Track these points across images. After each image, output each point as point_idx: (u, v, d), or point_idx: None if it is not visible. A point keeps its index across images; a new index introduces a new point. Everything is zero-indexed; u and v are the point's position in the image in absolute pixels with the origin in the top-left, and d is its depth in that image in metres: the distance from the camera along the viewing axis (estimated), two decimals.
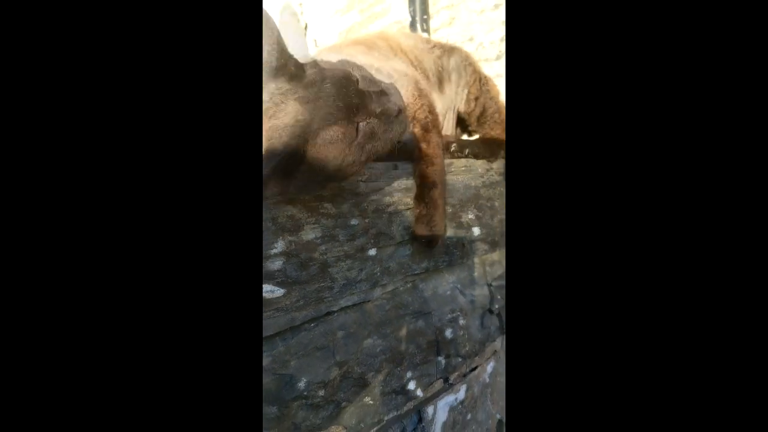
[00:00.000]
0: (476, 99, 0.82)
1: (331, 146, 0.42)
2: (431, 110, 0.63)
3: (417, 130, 0.60)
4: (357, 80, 0.44)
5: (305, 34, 2.99)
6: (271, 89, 0.40)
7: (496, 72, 2.23)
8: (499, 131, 0.84)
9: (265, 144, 0.39)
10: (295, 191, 0.45)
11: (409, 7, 2.41)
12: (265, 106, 0.41)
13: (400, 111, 0.46)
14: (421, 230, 0.59)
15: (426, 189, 0.59)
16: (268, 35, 0.38)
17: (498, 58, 2.21)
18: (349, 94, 0.43)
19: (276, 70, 0.40)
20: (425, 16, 2.37)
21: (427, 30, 2.37)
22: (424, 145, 0.60)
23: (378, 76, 0.50)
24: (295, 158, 0.41)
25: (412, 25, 2.37)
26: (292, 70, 0.41)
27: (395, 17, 2.61)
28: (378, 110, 0.44)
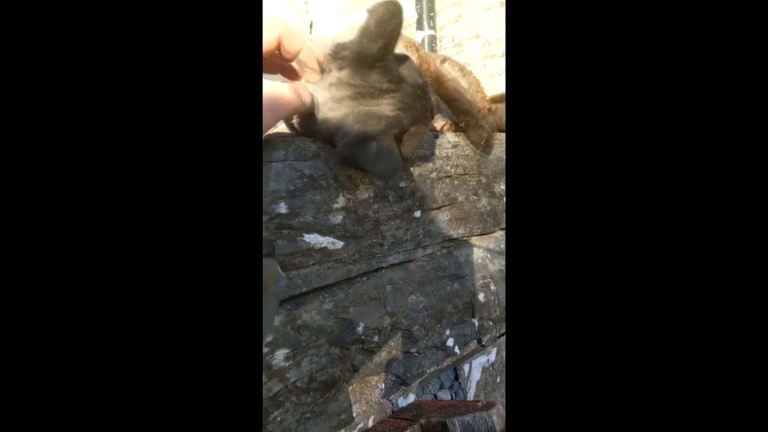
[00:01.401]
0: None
1: (410, 141, 0.49)
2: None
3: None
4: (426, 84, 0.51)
5: (310, 32, 3.03)
6: (365, 77, 0.44)
7: (502, 68, 2.28)
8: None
9: (356, 123, 0.43)
10: (374, 175, 0.50)
11: (416, 5, 2.45)
12: (349, 91, 0.44)
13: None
14: (476, 136, 0.67)
15: (453, 101, 0.67)
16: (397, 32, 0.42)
17: (504, 55, 2.25)
18: (430, 100, 0.50)
19: (377, 60, 0.43)
20: (432, 14, 2.41)
21: (433, 27, 2.41)
22: (426, 73, 0.66)
23: None
24: (389, 146, 0.45)
25: (419, 23, 2.41)
26: (395, 74, 0.45)
27: None
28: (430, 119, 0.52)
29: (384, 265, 0.56)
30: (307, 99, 0.43)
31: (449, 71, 0.70)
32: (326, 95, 0.45)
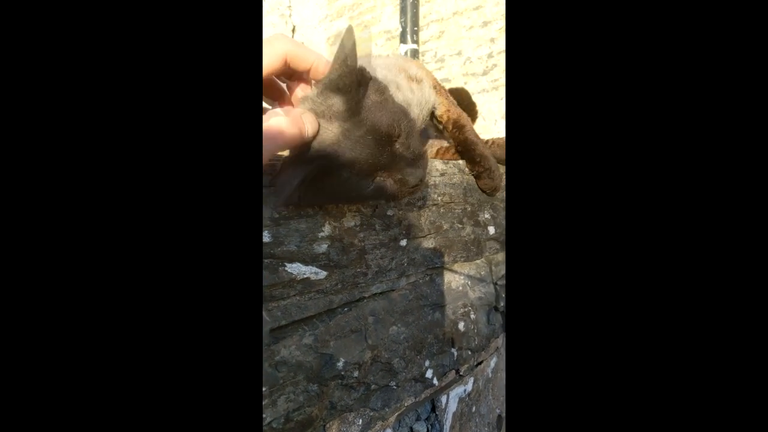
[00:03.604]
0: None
1: (344, 183, 0.42)
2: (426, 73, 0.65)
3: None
4: (397, 138, 0.43)
5: (292, 36, 3.00)
6: (327, 98, 0.40)
7: (482, 87, 2.32)
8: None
9: (297, 142, 0.38)
10: (306, 200, 0.45)
11: (401, 18, 2.47)
12: (312, 105, 0.41)
13: (417, 185, 0.45)
14: (486, 184, 0.70)
15: (469, 151, 0.67)
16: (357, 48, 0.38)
17: (485, 73, 2.29)
18: (383, 155, 0.41)
19: (341, 88, 0.39)
20: (415, 28, 2.43)
21: (416, 41, 2.44)
22: (446, 115, 0.66)
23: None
24: (320, 173, 0.40)
25: (402, 36, 2.43)
26: (353, 104, 0.40)
27: (385, 26, 2.67)
28: (398, 177, 0.44)
29: (366, 295, 0.54)
30: (309, 130, 0.39)
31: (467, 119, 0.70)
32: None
